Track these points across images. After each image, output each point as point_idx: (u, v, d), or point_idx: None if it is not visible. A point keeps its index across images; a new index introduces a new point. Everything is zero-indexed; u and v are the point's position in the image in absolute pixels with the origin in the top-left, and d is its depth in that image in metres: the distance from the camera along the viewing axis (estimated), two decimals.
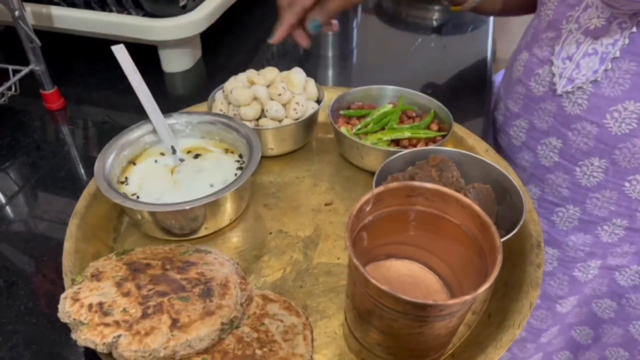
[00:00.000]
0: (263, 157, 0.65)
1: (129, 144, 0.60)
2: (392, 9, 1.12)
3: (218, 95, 0.66)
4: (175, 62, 0.83)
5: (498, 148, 0.73)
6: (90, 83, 0.83)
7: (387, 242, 0.45)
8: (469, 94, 0.81)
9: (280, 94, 0.62)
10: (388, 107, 0.65)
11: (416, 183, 0.42)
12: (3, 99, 0.71)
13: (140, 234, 0.57)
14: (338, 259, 0.54)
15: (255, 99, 0.63)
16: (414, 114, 0.65)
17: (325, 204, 0.60)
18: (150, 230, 0.56)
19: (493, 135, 0.76)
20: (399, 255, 0.46)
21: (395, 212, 0.43)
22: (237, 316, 0.46)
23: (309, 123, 0.64)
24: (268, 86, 0.63)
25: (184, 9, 0.78)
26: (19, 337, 0.49)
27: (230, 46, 0.93)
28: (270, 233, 0.57)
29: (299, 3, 0.58)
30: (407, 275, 0.46)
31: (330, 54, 0.97)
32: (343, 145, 0.63)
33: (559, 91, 0.60)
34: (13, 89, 0.72)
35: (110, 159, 0.57)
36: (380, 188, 0.41)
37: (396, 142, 0.62)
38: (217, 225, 0.56)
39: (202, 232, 0.56)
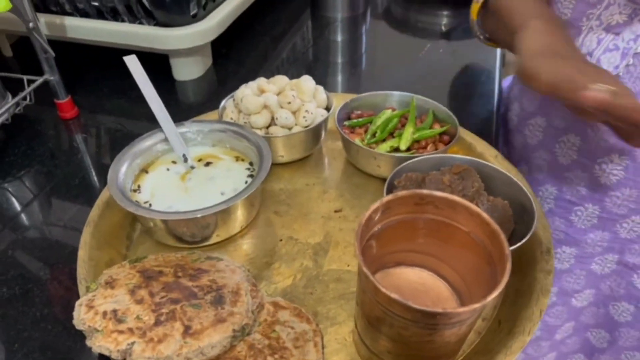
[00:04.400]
0: (273, 165, 0.65)
1: (141, 153, 0.60)
2: (400, 15, 1.12)
3: (229, 103, 0.66)
4: (186, 71, 0.84)
5: (510, 150, 0.73)
6: (103, 92, 0.84)
7: (397, 249, 0.45)
8: (478, 99, 0.81)
9: (289, 102, 0.62)
10: (387, 112, 0.66)
11: (425, 191, 0.42)
12: (18, 109, 0.72)
13: (153, 242, 0.58)
14: (348, 265, 0.54)
15: (266, 107, 0.63)
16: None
17: (335, 211, 0.60)
18: (162, 238, 0.57)
19: (504, 138, 0.76)
20: (408, 262, 0.47)
21: (405, 220, 0.43)
22: (249, 323, 0.46)
23: (319, 130, 0.65)
24: (278, 94, 0.64)
25: (195, 18, 0.79)
26: (34, 343, 0.50)
27: (241, 54, 0.94)
28: (281, 240, 0.57)
29: None
30: (417, 283, 0.46)
31: (339, 60, 0.97)
32: (356, 155, 0.63)
33: None
34: (28, 98, 0.73)
35: (123, 168, 0.58)
36: (389, 197, 0.42)
37: (408, 149, 0.62)
38: (228, 232, 0.57)
39: (214, 240, 0.57)
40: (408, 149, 0.62)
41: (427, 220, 0.43)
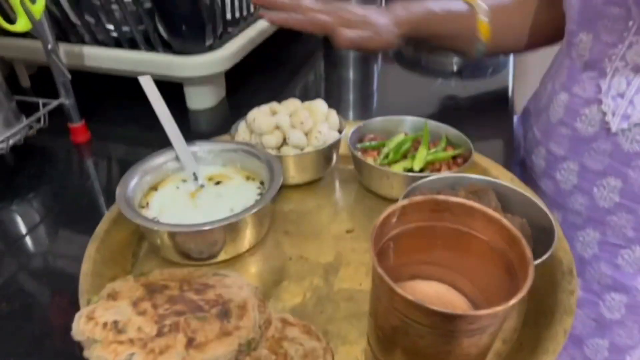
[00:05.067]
0: (284, 186, 0.64)
1: (151, 170, 0.60)
2: (412, 57, 1.14)
3: (241, 125, 0.66)
4: (200, 100, 0.85)
5: (540, 195, 0.70)
6: (116, 119, 0.85)
7: (412, 261, 0.43)
8: (491, 130, 0.81)
9: (302, 122, 0.62)
10: (400, 136, 0.65)
11: (441, 197, 0.41)
12: (32, 131, 0.73)
13: (159, 260, 0.56)
14: (360, 284, 0.52)
15: (277, 127, 0.63)
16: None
17: (347, 232, 0.58)
18: (169, 255, 0.55)
19: (530, 182, 0.73)
20: (424, 276, 0.45)
21: (420, 228, 0.42)
22: (255, 338, 0.44)
23: (330, 152, 0.64)
24: (290, 116, 0.63)
25: (210, 48, 0.81)
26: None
27: (253, 87, 0.94)
28: (290, 259, 0.55)
29: None
30: (434, 297, 0.44)
31: (351, 96, 0.98)
32: (369, 176, 0.62)
33: (614, 129, 0.58)
34: (42, 121, 0.74)
35: (132, 183, 0.57)
36: (405, 201, 0.40)
37: (422, 170, 0.61)
38: (236, 250, 0.55)
39: (221, 257, 0.55)
40: (421, 171, 0.61)
41: (443, 229, 0.42)
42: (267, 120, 0.62)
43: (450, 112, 0.86)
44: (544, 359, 0.42)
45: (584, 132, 0.62)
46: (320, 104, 0.65)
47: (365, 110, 0.91)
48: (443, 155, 0.62)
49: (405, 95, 0.94)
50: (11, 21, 0.66)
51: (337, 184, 0.67)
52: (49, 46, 0.66)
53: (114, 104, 0.88)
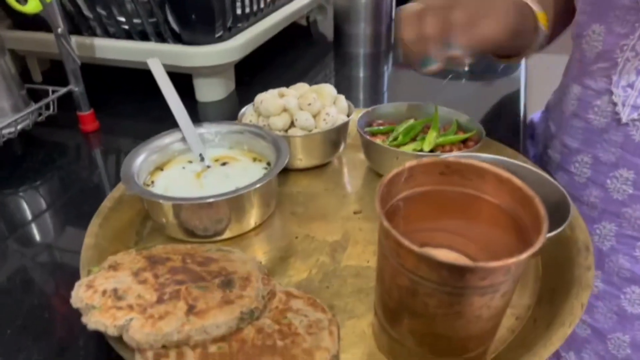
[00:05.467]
0: (292, 170, 0.64)
1: (158, 150, 0.59)
2: None
3: (248, 109, 0.66)
4: (209, 92, 0.85)
5: None
6: (126, 111, 0.85)
7: (421, 228, 0.42)
8: (503, 122, 0.79)
9: (310, 104, 0.61)
10: (410, 121, 0.64)
11: (451, 158, 0.40)
12: (41, 118, 0.73)
13: (164, 238, 0.55)
14: (368, 262, 0.50)
15: (285, 110, 0.62)
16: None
17: (355, 212, 0.57)
18: (174, 232, 0.54)
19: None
20: (434, 243, 0.43)
21: (430, 192, 0.40)
22: (258, 307, 0.42)
23: (339, 134, 0.63)
24: (298, 98, 0.63)
25: (220, 40, 0.81)
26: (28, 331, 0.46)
27: (263, 82, 0.94)
28: (297, 237, 0.54)
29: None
30: None
31: (361, 95, 0.97)
32: (378, 157, 0.61)
33: (624, 120, 0.58)
34: (51, 108, 0.74)
35: (138, 161, 0.56)
36: (413, 162, 0.39)
37: (432, 151, 0.60)
38: (241, 228, 0.54)
39: (227, 235, 0.54)
40: (431, 152, 0.59)
41: (453, 194, 0.40)
42: (274, 101, 0.62)
43: (460, 107, 0.85)
44: (560, 331, 0.40)
45: (597, 124, 0.61)
46: (328, 87, 0.64)
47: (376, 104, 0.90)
48: (454, 138, 0.61)
49: (415, 94, 0.93)
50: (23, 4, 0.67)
51: (345, 169, 0.66)
52: (59, 30, 0.67)
53: (124, 97, 0.88)
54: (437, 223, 0.42)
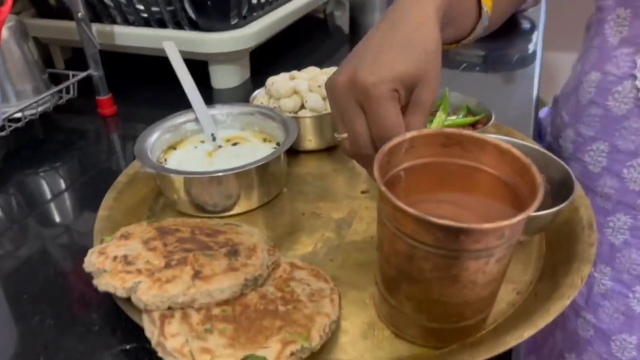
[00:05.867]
0: (301, 152, 0.65)
1: (171, 129, 0.61)
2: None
3: (260, 92, 0.67)
4: (224, 79, 0.86)
5: None
6: (144, 96, 0.87)
7: (423, 199, 0.42)
8: (513, 119, 0.77)
9: (320, 86, 0.62)
10: None
11: (451, 130, 0.40)
12: (61, 100, 0.75)
13: (175, 214, 0.57)
14: (372, 237, 0.51)
15: (296, 92, 0.63)
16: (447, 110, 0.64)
17: (362, 192, 0.58)
18: (185, 208, 0.56)
19: None
20: (435, 215, 0.43)
21: (431, 164, 0.41)
22: (262, 275, 0.44)
23: None
24: (309, 81, 0.64)
25: (235, 27, 0.82)
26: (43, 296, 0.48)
27: (277, 71, 0.95)
28: (303, 214, 0.55)
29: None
30: None
31: None
32: None
33: None
34: (71, 92, 0.76)
35: (152, 139, 0.58)
36: (414, 132, 0.40)
37: None
38: (249, 205, 0.56)
39: (235, 211, 0.55)
40: None
41: (454, 166, 0.41)
42: (285, 83, 0.63)
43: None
44: (559, 303, 0.41)
45: (617, 111, 0.60)
46: None
47: None
48: (461, 121, 0.61)
49: None
50: None
51: None
52: (79, 14, 0.69)
53: (142, 83, 0.90)
54: (438, 194, 0.43)
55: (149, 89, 0.89)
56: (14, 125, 0.68)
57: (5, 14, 0.58)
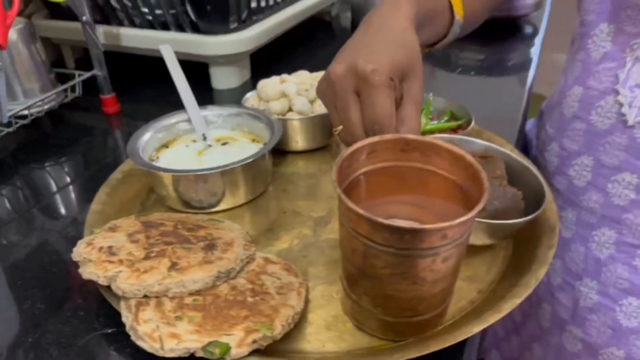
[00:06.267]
0: (289, 152, 0.68)
1: (164, 129, 0.64)
2: (441, 52, 1.14)
3: (252, 95, 0.70)
4: (224, 80, 0.89)
5: (554, 193, 0.66)
6: (146, 96, 0.90)
7: (386, 201, 0.45)
8: (498, 126, 0.79)
9: (307, 90, 0.65)
10: None
11: (411, 136, 0.43)
12: (67, 99, 0.79)
13: (165, 209, 0.60)
14: None
15: (285, 95, 0.66)
16: (430, 115, 0.66)
17: None
18: (173, 203, 0.59)
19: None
20: (398, 215, 0.46)
21: (392, 168, 0.44)
22: (235, 268, 0.47)
23: None
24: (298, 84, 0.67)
25: (235, 30, 0.85)
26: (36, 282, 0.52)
27: (278, 72, 0.97)
28: (284, 212, 0.58)
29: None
30: None
31: None
32: None
33: (630, 122, 0.57)
34: (77, 91, 0.80)
35: (145, 138, 0.62)
36: (375, 138, 0.42)
37: None
38: (234, 202, 0.59)
39: (220, 207, 0.58)
40: None
41: (413, 170, 0.43)
42: (274, 86, 0.66)
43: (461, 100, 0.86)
44: (510, 302, 0.43)
45: (600, 125, 0.60)
46: None
47: None
48: (443, 125, 0.64)
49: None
50: None
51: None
52: (84, 18, 0.73)
53: (145, 83, 0.94)
54: (400, 196, 0.45)
55: (151, 88, 0.92)
56: (21, 122, 0.72)
57: (12, 18, 0.62)
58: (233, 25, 0.85)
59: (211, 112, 0.67)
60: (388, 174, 0.44)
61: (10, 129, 0.71)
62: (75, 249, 0.48)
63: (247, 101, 0.69)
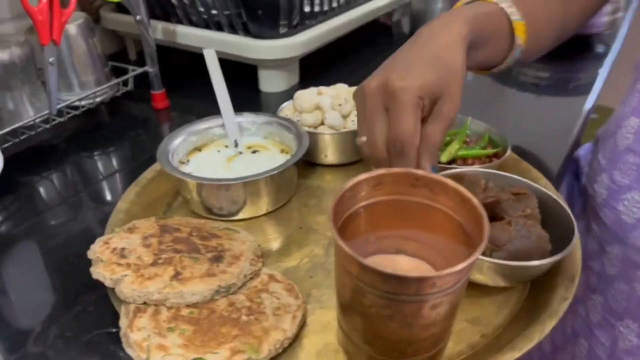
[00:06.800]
0: (318, 165, 0.67)
1: (198, 132, 0.66)
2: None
3: (289, 104, 0.70)
4: (272, 83, 0.90)
5: (600, 226, 0.64)
6: (196, 93, 0.93)
7: (390, 235, 0.44)
8: (542, 153, 0.74)
9: (340, 104, 0.64)
10: None
11: (420, 172, 0.41)
12: (119, 92, 0.83)
13: (188, 212, 0.61)
14: None
15: (318, 108, 0.66)
16: (467, 139, 0.63)
17: None
18: (195, 207, 0.60)
19: (591, 212, 0.67)
20: (403, 250, 0.45)
21: (399, 201, 0.42)
22: (236, 284, 0.47)
23: None
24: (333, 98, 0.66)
25: (285, 35, 0.86)
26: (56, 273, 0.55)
27: (327, 77, 0.98)
28: (301, 228, 0.58)
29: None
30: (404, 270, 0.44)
31: None
32: None
33: None
34: (129, 85, 0.83)
35: (177, 140, 0.63)
36: (382, 170, 0.41)
37: (450, 163, 0.61)
38: (253, 212, 0.59)
39: (240, 216, 0.59)
40: (450, 164, 0.60)
41: (421, 206, 0.42)
42: (310, 98, 0.66)
43: (510, 121, 0.82)
44: (510, 354, 0.41)
45: None
46: None
47: None
48: (476, 152, 0.61)
49: (477, 103, 0.92)
50: None
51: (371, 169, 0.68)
52: (138, 17, 0.75)
53: (196, 80, 0.96)
54: (405, 231, 0.44)
55: (202, 86, 0.94)
56: (73, 113, 0.76)
57: (67, 16, 0.65)
58: (283, 31, 0.85)
59: (246, 119, 0.67)
60: (395, 207, 0.42)
61: (62, 119, 0.75)
62: (92, 247, 0.50)
63: (282, 110, 0.69)
